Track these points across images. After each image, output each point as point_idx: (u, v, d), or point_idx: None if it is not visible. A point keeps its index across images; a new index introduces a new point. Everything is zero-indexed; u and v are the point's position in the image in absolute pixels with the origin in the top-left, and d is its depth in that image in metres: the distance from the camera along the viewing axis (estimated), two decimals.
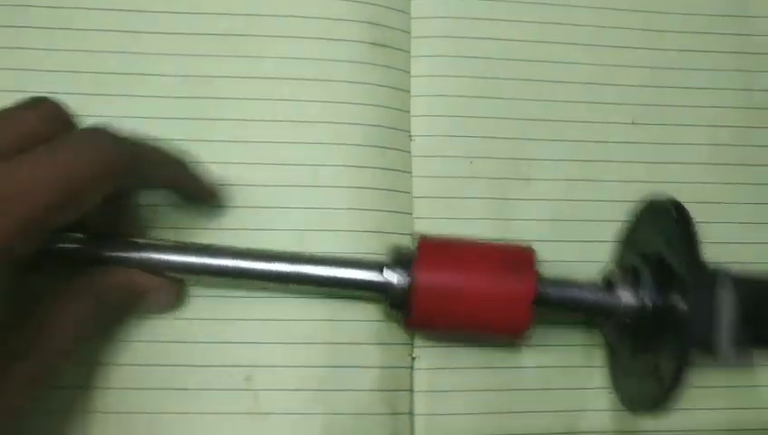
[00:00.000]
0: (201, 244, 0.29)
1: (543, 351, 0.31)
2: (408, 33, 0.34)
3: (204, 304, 0.30)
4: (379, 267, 0.28)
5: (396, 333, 0.31)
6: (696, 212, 0.27)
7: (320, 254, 0.29)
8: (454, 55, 0.34)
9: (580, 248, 0.33)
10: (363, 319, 0.31)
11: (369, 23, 0.33)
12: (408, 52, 0.34)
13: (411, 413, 0.30)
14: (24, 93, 0.25)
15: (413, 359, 0.31)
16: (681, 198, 0.27)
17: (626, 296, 0.28)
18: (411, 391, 0.31)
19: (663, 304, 0.27)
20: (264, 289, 0.30)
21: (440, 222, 0.32)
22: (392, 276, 0.28)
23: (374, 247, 0.31)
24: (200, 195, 0.30)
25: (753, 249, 0.33)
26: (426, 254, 0.28)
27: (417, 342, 0.31)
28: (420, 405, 0.31)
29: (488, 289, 0.28)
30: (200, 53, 0.33)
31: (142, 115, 0.32)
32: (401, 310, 0.29)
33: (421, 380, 0.31)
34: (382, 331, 0.31)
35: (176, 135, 0.30)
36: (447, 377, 0.31)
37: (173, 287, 0.29)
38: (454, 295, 0.28)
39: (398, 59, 0.34)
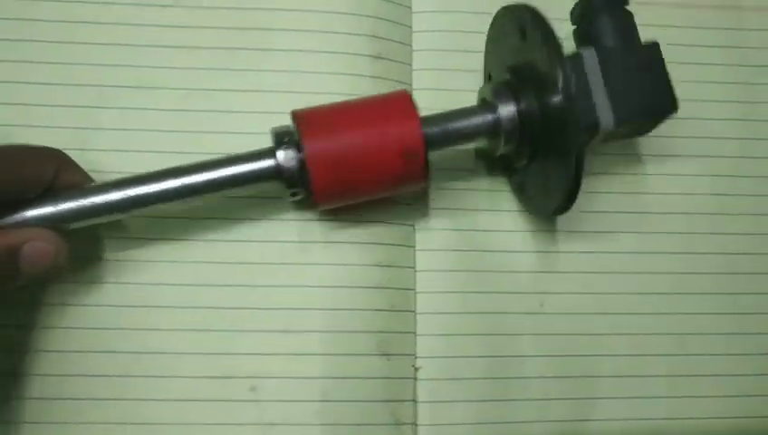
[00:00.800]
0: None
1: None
2: (410, 46, 0.35)
3: (215, 315, 0.31)
4: (270, 153, 0.28)
5: (400, 344, 0.31)
6: None
7: (211, 159, 0.28)
8: (452, 69, 0.35)
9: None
10: (367, 330, 0.31)
11: (370, 36, 0.34)
12: (410, 65, 0.35)
13: (415, 423, 0.31)
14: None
15: (416, 369, 0.31)
16: None
17: (505, 111, 0.29)
18: (415, 401, 0.31)
19: (540, 104, 0.28)
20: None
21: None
22: (282, 155, 0.28)
23: None
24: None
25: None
26: (306, 125, 0.28)
27: (421, 352, 0.31)
28: (424, 415, 0.31)
29: (377, 140, 0.28)
30: (202, 67, 0.33)
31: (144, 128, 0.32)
32: (303, 189, 0.28)
33: (424, 390, 0.31)
34: (386, 342, 0.31)
35: (173, 148, 0.31)
36: (450, 387, 0.31)
37: (50, 235, 0.27)
38: (346, 156, 0.28)
39: (400, 71, 0.34)
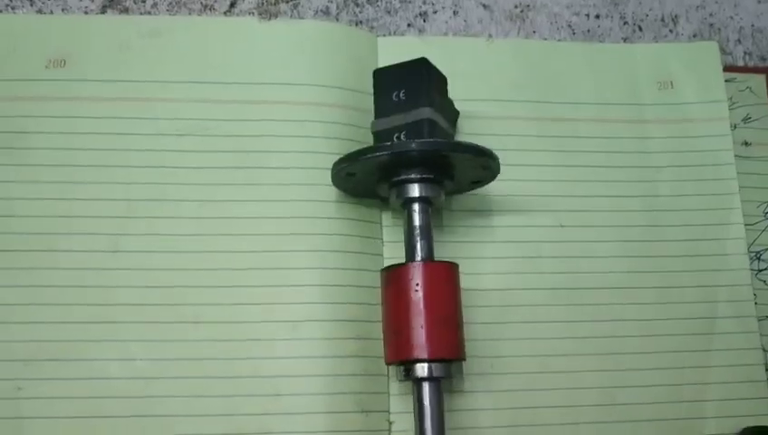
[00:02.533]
0: None
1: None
2: None
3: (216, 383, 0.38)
4: None
5: (375, 401, 0.38)
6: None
7: None
8: None
9: None
10: (346, 392, 0.38)
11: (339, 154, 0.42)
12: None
13: None
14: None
15: (390, 423, 0.38)
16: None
17: None
18: None
19: None
20: None
21: None
22: None
23: None
24: None
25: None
26: None
27: (393, 408, 0.38)
28: None
29: None
30: (212, 182, 0.41)
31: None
32: None
33: None
34: (363, 400, 0.38)
35: (193, 248, 0.39)
36: None
37: None
38: None
39: None
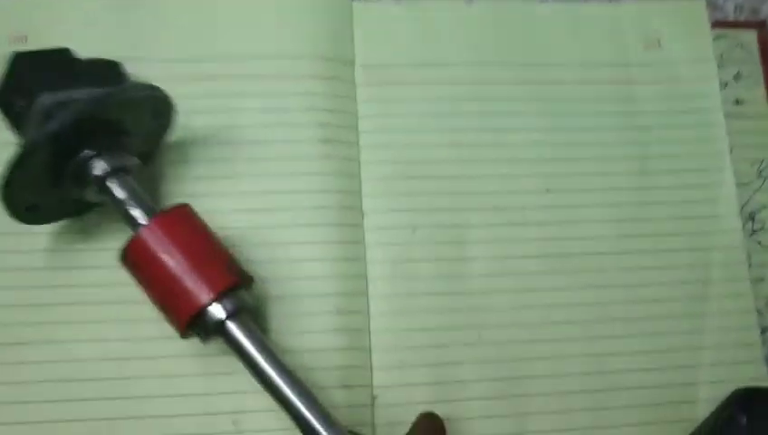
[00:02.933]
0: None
1: None
2: (356, 129, 0.42)
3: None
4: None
5: (358, 376, 0.37)
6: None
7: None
8: (395, 145, 0.42)
9: None
10: (329, 367, 0.37)
11: (319, 124, 0.41)
12: (357, 145, 0.41)
13: None
14: None
15: (374, 398, 0.37)
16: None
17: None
18: (373, 425, 0.37)
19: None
20: None
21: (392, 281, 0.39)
22: None
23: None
24: None
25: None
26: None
27: (377, 382, 0.37)
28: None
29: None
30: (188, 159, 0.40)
31: None
32: None
33: (381, 415, 0.37)
34: (346, 376, 0.37)
35: None
36: (405, 411, 0.37)
37: None
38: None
39: (349, 151, 0.41)
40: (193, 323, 0.32)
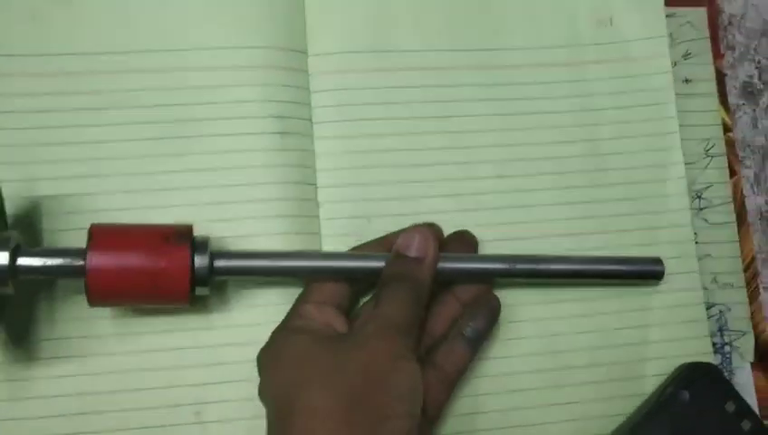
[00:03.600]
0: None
1: None
2: (310, 120, 0.42)
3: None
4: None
5: None
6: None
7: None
8: (348, 135, 0.42)
9: None
10: None
11: (276, 117, 0.41)
12: (312, 136, 0.42)
13: None
14: None
15: None
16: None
17: None
18: None
19: None
20: None
21: None
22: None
23: None
24: None
25: None
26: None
27: None
28: None
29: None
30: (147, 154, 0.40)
31: None
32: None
33: None
34: None
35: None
36: None
37: None
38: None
39: (304, 142, 0.41)
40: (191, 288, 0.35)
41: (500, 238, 0.42)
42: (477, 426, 0.39)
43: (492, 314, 0.38)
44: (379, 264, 0.37)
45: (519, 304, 0.41)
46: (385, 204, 0.41)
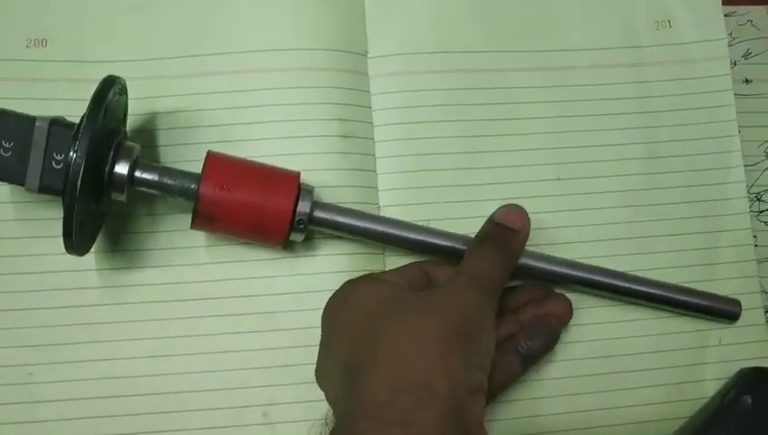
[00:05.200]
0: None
1: None
2: (371, 123, 0.42)
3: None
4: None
5: None
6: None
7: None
8: (408, 138, 0.42)
9: None
10: None
11: (338, 119, 0.41)
12: (372, 138, 0.42)
13: None
14: None
15: None
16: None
17: None
18: None
19: None
20: None
21: None
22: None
23: None
24: None
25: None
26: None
27: None
28: None
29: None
30: None
31: None
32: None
33: None
34: None
35: None
36: None
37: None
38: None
39: (365, 145, 0.42)
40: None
41: (558, 242, 0.42)
42: (538, 429, 0.40)
43: (551, 336, 0.38)
44: (465, 247, 0.37)
45: (578, 308, 0.41)
46: (445, 207, 0.42)
